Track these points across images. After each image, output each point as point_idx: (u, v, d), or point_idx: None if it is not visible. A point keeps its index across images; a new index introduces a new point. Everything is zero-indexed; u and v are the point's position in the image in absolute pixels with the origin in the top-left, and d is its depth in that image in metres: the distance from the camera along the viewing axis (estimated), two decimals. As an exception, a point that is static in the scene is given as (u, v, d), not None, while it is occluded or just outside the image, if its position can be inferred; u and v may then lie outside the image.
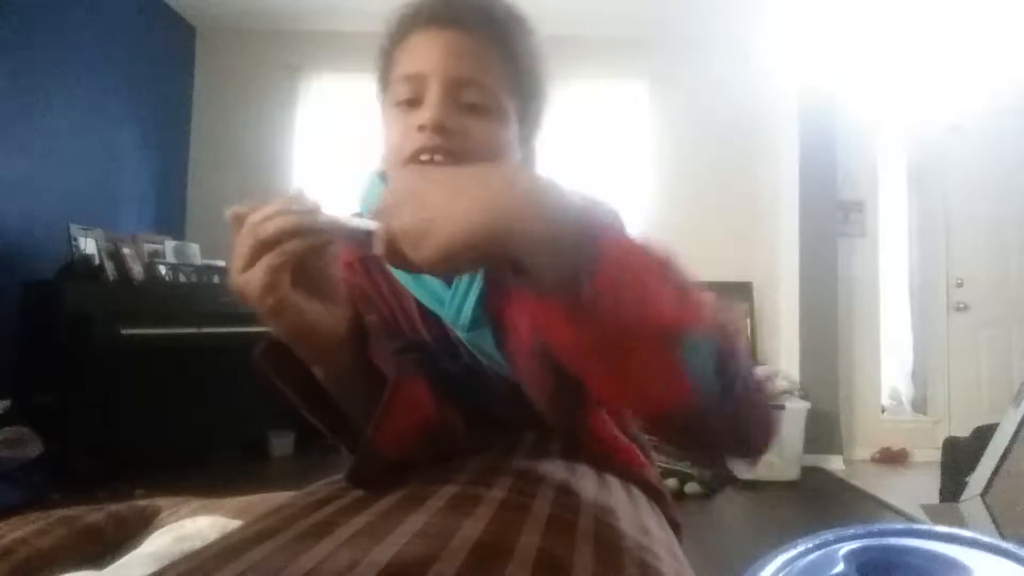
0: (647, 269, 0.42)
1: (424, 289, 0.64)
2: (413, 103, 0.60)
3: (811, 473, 3.04)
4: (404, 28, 0.63)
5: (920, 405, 3.73)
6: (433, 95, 0.59)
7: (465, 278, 0.62)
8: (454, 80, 0.59)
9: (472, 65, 0.60)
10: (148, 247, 3.02)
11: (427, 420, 0.54)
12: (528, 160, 0.71)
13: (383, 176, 0.67)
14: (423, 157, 0.58)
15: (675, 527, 0.66)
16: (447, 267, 0.41)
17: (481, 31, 0.61)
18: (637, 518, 0.53)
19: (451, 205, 0.40)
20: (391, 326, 0.67)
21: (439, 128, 0.58)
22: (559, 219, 0.40)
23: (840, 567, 0.35)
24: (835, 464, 3.22)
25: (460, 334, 0.64)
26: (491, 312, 0.61)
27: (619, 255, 0.41)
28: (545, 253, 0.40)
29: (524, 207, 0.40)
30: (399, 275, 0.65)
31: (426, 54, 0.60)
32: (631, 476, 0.64)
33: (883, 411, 3.63)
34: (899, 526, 0.38)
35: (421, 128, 0.58)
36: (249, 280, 0.43)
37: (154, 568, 0.44)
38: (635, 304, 0.40)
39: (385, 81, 0.66)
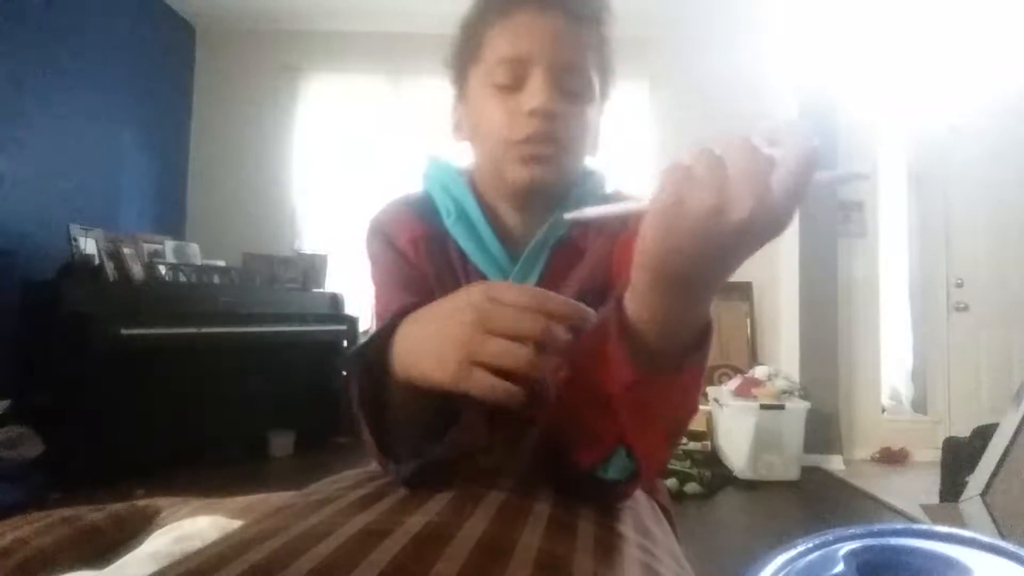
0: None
1: (488, 258, 0.64)
2: (512, 87, 0.60)
3: (811, 473, 3.04)
4: (501, 7, 0.61)
5: (920, 405, 3.73)
6: (538, 80, 0.58)
7: (531, 255, 0.63)
8: (559, 66, 0.59)
9: (575, 52, 0.60)
10: (148, 247, 3.02)
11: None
12: (595, 135, 0.70)
13: (444, 164, 0.69)
14: (534, 143, 0.59)
15: (673, 527, 0.65)
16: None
17: (581, 16, 0.61)
18: (638, 520, 0.53)
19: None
20: None
21: (549, 115, 0.58)
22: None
23: (840, 567, 0.35)
24: (835, 464, 3.22)
25: None
26: None
27: None
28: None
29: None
30: (468, 246, 0.65)
31: (529, 38, 0.59)
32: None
33: (883, 411, 3.62)
34: (899, 526, 0.38)
35: (532, 113, 0.58)
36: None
37: (154, 568, 0.44)
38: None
39: (471, 59, 0.64)
